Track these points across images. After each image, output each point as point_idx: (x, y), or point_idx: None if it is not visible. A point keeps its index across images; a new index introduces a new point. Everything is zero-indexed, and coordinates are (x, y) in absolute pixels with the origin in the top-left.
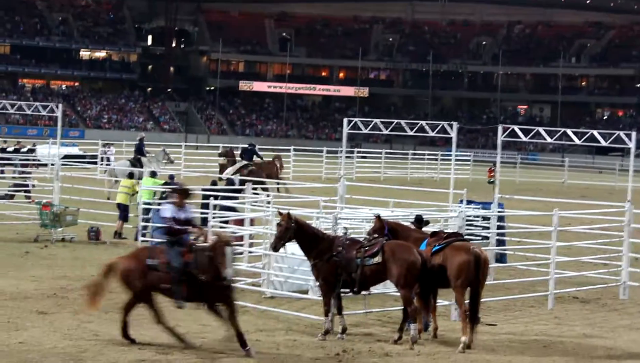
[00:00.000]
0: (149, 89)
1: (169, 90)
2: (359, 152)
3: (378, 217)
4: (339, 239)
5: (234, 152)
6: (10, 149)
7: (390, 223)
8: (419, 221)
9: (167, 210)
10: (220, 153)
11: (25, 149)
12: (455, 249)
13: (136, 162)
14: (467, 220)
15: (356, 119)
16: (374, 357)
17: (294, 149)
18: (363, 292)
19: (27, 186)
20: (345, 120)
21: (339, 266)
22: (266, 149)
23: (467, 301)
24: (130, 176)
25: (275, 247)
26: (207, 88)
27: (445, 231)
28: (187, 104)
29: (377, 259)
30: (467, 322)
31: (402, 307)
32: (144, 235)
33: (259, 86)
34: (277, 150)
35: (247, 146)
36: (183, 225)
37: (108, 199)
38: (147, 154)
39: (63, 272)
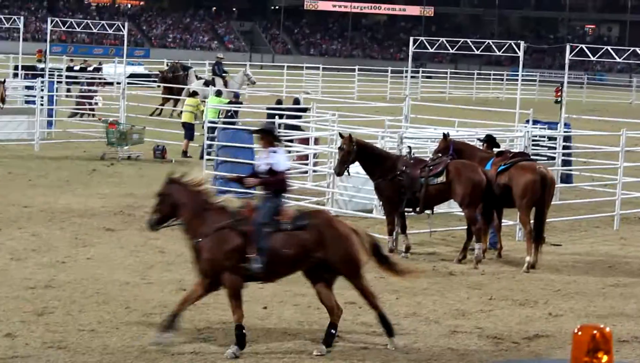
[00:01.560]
0: (214, 8)
1: (234, 9)
2: (424, 72)
3: (445, 136)
4: (403, 158)
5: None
6: (77, 68)
7: (456, 142)
8: (490, 141)
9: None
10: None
11: (91, 68)
12: (521, 169)
13: (211, 82)
14: (533, 140)
15: (422, 38)
16: (438, 276)
17: (358, 69)
18: (427, 211)
19: (90, 102)
20: (411, 39)
21: (403, 186)
22: (330, 69)
23: (532, 221)
24: (194, 94)
25: (339, 172)
26: (272, 7)
27: (511, 151)
28: (252, 23)
29: (442, 178)
30: (532, 242)
31: (466, 227)
32: (209, 154)
33: (324, 5)
34: (341, 70)
35: None
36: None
37: (171, 116)
38: (227, 76)
39: (129, 190)
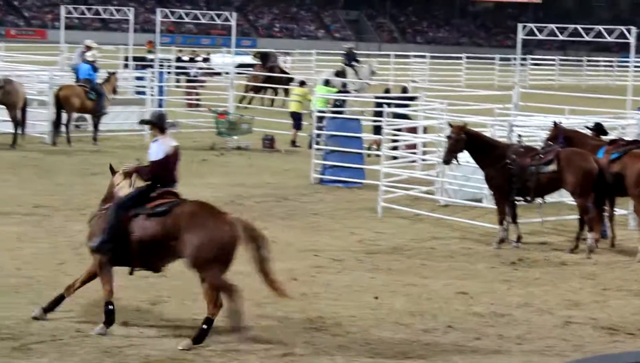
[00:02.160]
0: None
1: None
2: (532, 59)
3: (555, 124)
4: (513, 147)
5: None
6: (186, 58)
7: (567, 130)
8: (599, 129)
9: None
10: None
11: (200, 59)
12: (635, 156)
13: (342, 73)
14: None
15: (531, 25)
16: (550, 266)
17: (465, 57)
18: (538, 200)
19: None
20: (519, 26)
21: (513, 175)
22: (438, 57)
23: None
24: (302, 84)
25: (447, 160)
26: None
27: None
28: (358, 12)
29: (552, 167)
30: None
31: (578, 216)
32: (317, 143)
33: None
34: (448, 58)
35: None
36: None
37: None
38: (355, 66)
39: (239, 179)
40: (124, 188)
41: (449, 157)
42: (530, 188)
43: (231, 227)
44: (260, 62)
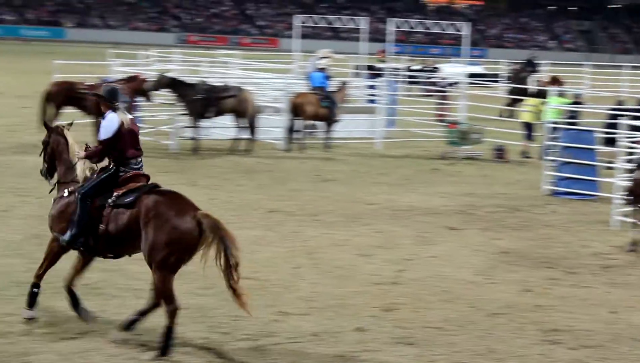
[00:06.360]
0: (552, 7)
1: (573, 8)
2: None
3: None
4: None
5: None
6: (417, 67)
7: None
8: None
9: None
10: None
11: (431, 68)
12: None
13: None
14: None
15: None
16: None
17: None
18: None
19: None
20: None
21: None
22: None
23: None
24: (538, 95)
25: None
26: (611, 6)
27: None
28: (591, 22)
29: None
30: None
31: None
32: (549, 154)
33: None
34: None
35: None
36: None
37: (500, 116)
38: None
39: (470, 189)
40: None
41: None
42: None
43: (194, 225)
44: (524, 67)
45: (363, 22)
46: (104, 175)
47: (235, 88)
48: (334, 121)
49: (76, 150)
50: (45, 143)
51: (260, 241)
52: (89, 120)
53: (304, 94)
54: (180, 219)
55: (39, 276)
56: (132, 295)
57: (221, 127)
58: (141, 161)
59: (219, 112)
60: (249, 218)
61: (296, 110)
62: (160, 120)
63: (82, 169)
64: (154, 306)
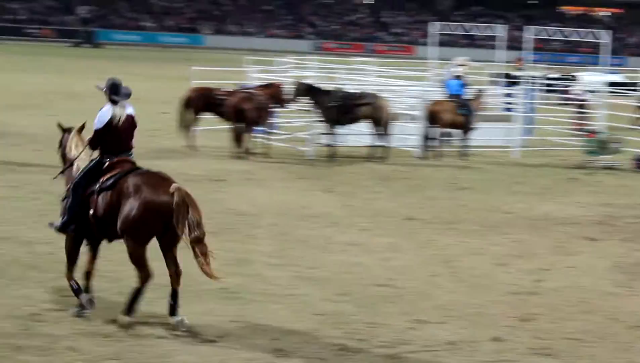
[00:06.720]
0: None
1: None
2: None
3: None
4: None
5: None
6: (554, 76)
7: None
8: None
9: None
10: None
11: (570, 76)
12: None
13: None
14: None
15: None
16: None
17: None
18: None
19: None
20: None
21: None
22: None
23: None
24: None
25: None
26: None
27: None
28: None
29: None
30: None
31: None
32: None
33: None
34: None
35: None
36: None
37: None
38: None
39: (609, 199)
40: (80, 157)
41: None
42: None
43: (167, 195)
44: None
45: (500, 30)
46: (90, 164)
47: (371, 95)
48: (471, 128)
49: (72, 148)
50: (59, 142)
51: (395, 248)
52: (226, 126)
53: (440, 102)
54: (153, 191)
55: (70, 277)
56: (270, 300)
57: (357, 134)
58: (131, 153)
59: (355, 119)
60: (385, 226)
61: (433, 117)
62: (296, 126)
63: (78, 167)
64: (173, 290)
